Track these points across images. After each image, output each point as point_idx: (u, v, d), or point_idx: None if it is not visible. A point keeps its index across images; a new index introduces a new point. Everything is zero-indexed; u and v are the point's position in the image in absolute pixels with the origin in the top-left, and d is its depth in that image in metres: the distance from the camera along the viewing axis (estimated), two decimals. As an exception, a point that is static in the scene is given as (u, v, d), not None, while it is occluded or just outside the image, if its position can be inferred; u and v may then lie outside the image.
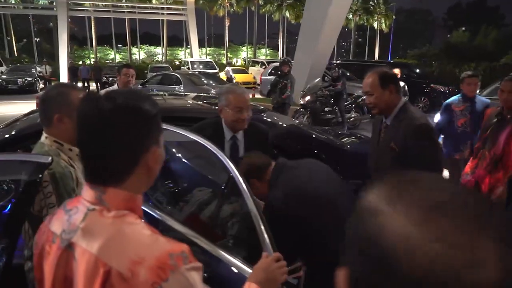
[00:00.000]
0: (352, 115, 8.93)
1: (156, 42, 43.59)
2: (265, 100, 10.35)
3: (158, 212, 1.71)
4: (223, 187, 1.46)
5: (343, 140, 3.28)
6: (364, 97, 10.34)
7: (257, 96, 13.72)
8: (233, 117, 2.05)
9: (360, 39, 54.08)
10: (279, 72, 7.70)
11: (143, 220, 0.79)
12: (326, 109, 8.58)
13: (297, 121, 6.57)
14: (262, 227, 1.22)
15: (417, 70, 14.78)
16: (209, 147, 1.52)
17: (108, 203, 0.77)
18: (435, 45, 45.49)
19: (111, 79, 16.79)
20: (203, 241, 1.43)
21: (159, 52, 42.03)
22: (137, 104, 0.78)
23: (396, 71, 6.16)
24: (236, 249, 1.48)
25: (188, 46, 32.21)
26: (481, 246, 0.35)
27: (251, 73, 22.12)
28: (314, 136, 3.08)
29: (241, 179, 1.39)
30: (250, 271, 1.27)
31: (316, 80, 9.09)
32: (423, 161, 1.84)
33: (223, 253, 1.36)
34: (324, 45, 9.67)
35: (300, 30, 10.22)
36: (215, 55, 42.19)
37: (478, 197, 0.41)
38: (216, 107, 3.60)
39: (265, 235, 1.22)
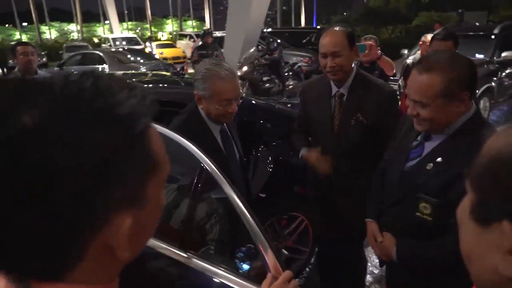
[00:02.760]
0: (291, 83, 8.95)
1: (69, 18, 39.33)
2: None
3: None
4: (195, 182, 1.22)
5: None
6: (300, 64, 10.42)
7: (191, 70, 13.12)
8: (218, 111, 1.55)
9: (284, 7, 54.26)
10: (200, 44, 7.53)
11: None
12: (265, 78, 8.46)
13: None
14: (256, 227, 1.01)
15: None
16: (173, 137, 1.26)
17: None
18: (355, 10, 47.39)
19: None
20: (176, 252, 1.21)
21: (73, 29, 38.04)
22: (102, 105, 0.35)
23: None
24: (220, 256, 1.28)
25: (107, 22, 29.51)
26: None
27: (179, 47, 21.07)
28: (267, 107, 2.91)
29: (216, 170, 1.17)
30: (239, 280, 1.08)
31: (252, 50, 8.86)
32: (392, 134, 1.60)
33: (201, 263, 1.15)
34: (256, 13, 9.38)
35: (229, 1, 9.75)
36: (138, 30, 39.37)
37: None
38: (149, 85, 3.24)
39: (261, 237, 1.01)
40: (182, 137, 1.25)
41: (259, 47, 10.24)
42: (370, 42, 3.25)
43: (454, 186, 1.09)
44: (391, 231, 1.38)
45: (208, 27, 36.10)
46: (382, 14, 35.29)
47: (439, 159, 1.18)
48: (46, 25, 35.98)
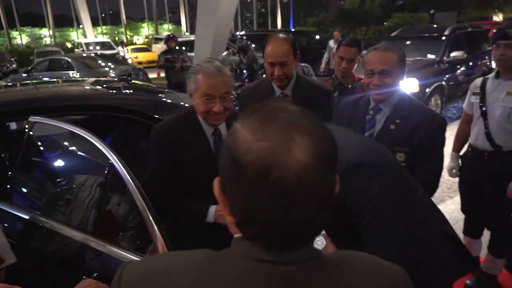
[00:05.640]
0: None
1: (41, 23, 38.49)
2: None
3: (43, 218, 1.54)
4: (105, 177, 1.36)
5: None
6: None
7: (163, 75, 13.11)
8: (202, 107, 1.48)
9: (262, 9, 54.73)
10: (166, 49, 7.59)
11: None
12: (236, 84, 8.62)
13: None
14: (153, 221, 1.17)
15: (317, 37, 15.59)
16: (87, 137, 1.39)
17: None
18: (331, 11, 48.23)
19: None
20: (97, 242, 1.34)
21: (46, 34, 37.25)
22: None
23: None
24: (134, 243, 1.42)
25: (80, 26, 29.05)
26: (290, 139, 0.49)
27: (155, 51, 21.01)
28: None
29: (123, 168, 1.31)
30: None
31: (224, 54, 8.95)
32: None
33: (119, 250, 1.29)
34: (224, 15, 9.49)
35: (198, 2, 9.86)
36: (114, 34, 38.91)
37: (303, 112, 0.54)
38: (114, 91, 3.31)
39: (156, 229, 1.17)
40: (94, 136, 1.38)
41: (229, 49, 10.40)
42: None
43: (413, 137, 1.56)
44: None
45: (185, 30, 36.03)
46: (356, 16, 36.11)
47: (397, 121, 1.61)
48: (17, 30, 35.10)
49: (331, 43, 9.11)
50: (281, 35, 1.92)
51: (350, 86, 2.55)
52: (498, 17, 27.10)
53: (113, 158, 1.33)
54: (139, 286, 0.54)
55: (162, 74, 13.00)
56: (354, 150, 1.08)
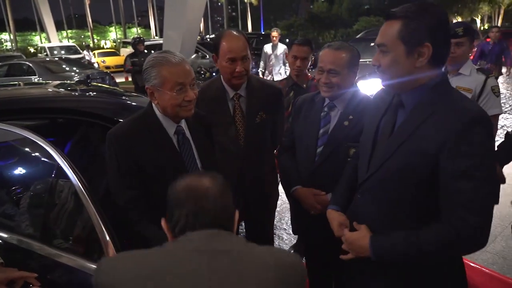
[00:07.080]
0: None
1: (1, 27, 36.76)
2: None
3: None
4: (52, 179, 1.30)
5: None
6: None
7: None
8: (176, 100, 1.34)
9: (233, 13, 54.87)
10: (133, 52, 7.39)
11: None
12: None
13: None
14: (102, 225, 1.15)
15: (287, 40, 15.81)
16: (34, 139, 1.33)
17: None
18: (301, 15, 49.04)
19: None
20: (44, 248, 1.29)
21: (6, 38, 35.62)
22: None
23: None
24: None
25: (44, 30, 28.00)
26: (201, 178, 0.93)
27: (123, 55, 20.55)
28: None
29: (71, 171, 1.27)
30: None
31: (193, 57, 8.89)
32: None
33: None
34: (192, 18, 9.43)
35: (165, 5, 9.74)
36: (80, 38, 37.77)
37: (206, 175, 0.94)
38: (77, 93, 3.14)
39: (105, 234, 1.15)
40: (41, 138, 1.34)
41: (199, 53, 10.35)
42: None
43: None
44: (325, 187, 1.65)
45: (154, 34, 35.52)
46: (325, 19, 36.91)
47: (351, 117, 1.66)
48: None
49: (267, 48, 7.18)
50: (233, 30, 1.85)
51: (304, 85, 2.59)
52: (457, 20, 28.49)
53: (61, 161, 1.29)
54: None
55: (130, 78, 12.73)
56: (475, 105, 1.07)
